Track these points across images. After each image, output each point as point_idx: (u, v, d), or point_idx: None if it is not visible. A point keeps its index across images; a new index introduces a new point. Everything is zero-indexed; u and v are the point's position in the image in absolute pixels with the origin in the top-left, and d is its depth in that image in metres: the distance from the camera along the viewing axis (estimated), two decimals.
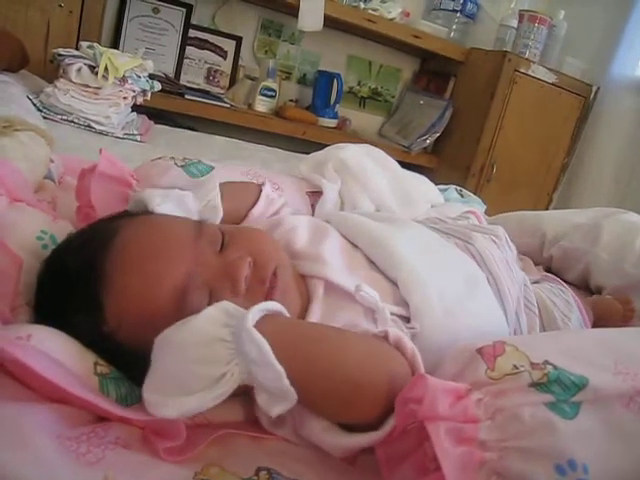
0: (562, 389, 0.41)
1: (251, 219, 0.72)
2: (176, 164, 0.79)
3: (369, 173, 0.92)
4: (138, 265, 0.48)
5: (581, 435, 0.39)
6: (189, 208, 0.62)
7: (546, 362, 0.43)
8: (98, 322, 0.47)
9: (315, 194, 0.89)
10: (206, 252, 0.52)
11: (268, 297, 0.52)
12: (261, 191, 0.75)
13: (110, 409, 0.39)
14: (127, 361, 0.47)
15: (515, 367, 0.43)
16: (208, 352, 0.40)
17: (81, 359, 0.46)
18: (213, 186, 0.66)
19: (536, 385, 0.42)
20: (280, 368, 0.39)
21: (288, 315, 0.47)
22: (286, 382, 0.39)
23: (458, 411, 0.41)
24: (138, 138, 1.41)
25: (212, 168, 0.81)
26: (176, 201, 0.61)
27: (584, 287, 0.93)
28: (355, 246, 0.65)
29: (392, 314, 0.55)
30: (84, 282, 0.48)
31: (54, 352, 0.43)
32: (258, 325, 0.41)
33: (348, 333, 0.49)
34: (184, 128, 1.72)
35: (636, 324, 0.76)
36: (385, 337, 0.48)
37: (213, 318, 0.42)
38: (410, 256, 0.61)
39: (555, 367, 0.43)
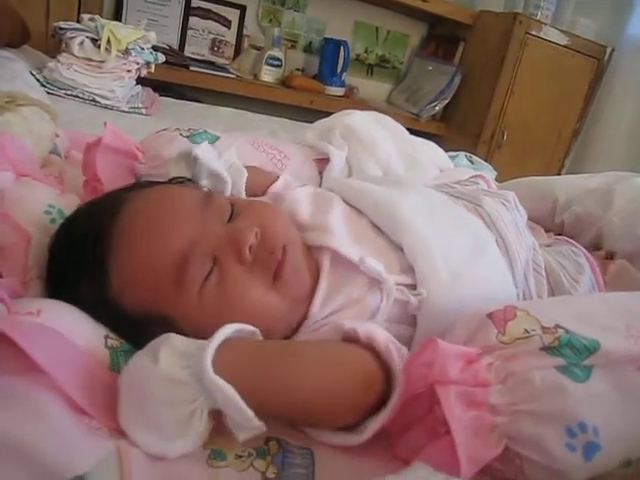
0: (573, 353, 0.41)
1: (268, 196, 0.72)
2: (181, 135, 0.79)
3: (376, 139, 0.91)
4: (143, 231, 0.49)
5: (592, 398, 0.40)
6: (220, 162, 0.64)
7: (557, 326, 0.43)
8: (103, 286, 0.48)
9: (322, 161, 0.89)
10: (213, 221, 0.52)
11: (278, 271, 0.51)
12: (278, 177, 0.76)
13: (87, 409, 0.39)
14: (132, 328, 0.47)
15: (526, 331, 0.43)
16: (172, 394, 0.39)
17: (91, 333, 0.46)
18: (232, 151, 0.67)
19: (547, 349, 0.41)
20: (250, 413, 0.37)
21: (248, 328, 0.44)
22: (256, 422, 0.38)
23: (469, 375, 0.41)
24: (143, 111, 1.39)
25: (217, 138, 0.81)
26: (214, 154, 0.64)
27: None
28: (360, 212, 0.64)
29: (398, 284, 0.54)
30: (90, 248, 0.49)
31: (63, 327, 0.43)
32: (216, 358, 0.39)
33: (306, 349, 0.47)
34: (189, 100, 1.70)
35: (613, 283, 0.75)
36: (355, 335, 0.46)
37: (168, 362, 0.39)
38: (415, 218, 0.60)
39: (567, 331, 0.42)
